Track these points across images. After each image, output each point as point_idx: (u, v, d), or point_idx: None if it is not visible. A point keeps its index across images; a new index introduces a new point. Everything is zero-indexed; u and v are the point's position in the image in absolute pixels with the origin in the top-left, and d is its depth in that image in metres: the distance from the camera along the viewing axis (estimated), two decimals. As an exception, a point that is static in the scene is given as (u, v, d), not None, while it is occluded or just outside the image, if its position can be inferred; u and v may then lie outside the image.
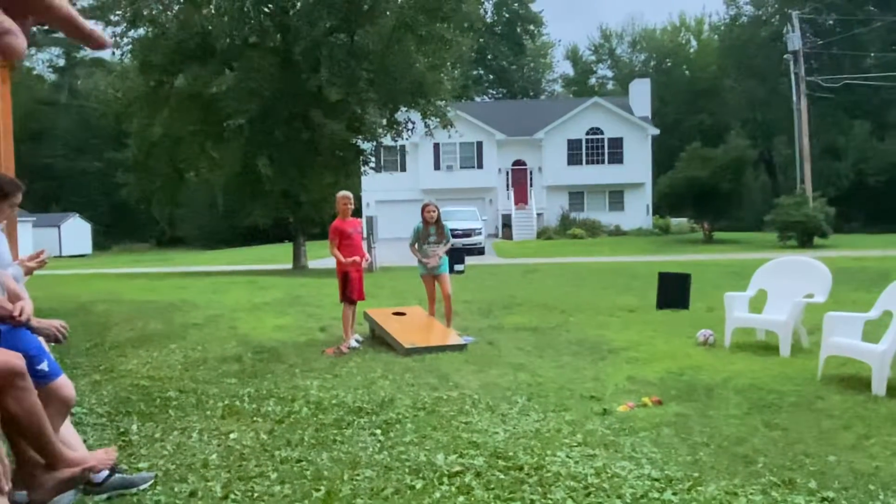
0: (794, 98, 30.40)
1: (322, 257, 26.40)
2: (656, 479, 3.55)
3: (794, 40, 29.88)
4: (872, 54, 40.36)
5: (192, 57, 18.65)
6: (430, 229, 7.97)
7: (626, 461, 3.82)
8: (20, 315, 3.13)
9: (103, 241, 49.29)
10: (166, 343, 7.46)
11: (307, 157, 19.79)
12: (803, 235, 26.65)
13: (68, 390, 3.29)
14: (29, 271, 3.63)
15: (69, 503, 3.20)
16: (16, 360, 2.94)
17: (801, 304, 6.80)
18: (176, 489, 3.45)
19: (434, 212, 7.97)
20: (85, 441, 3.64)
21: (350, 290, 7.46)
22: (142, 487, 3.43)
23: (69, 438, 3.43)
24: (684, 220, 36.77)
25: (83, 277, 19.04)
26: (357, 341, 7.49)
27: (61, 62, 61.85)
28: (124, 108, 21.24)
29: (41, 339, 3.31)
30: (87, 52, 60.56)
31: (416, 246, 8.03)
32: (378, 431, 4.36)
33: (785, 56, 31.52)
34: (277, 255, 27.74)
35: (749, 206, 32.93)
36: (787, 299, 6.94)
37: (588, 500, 3.31)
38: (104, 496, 3.32)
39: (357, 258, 7.49)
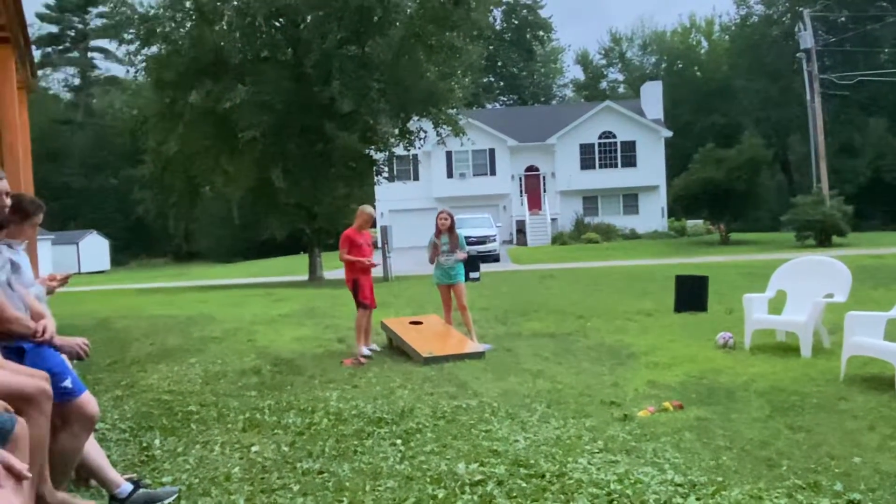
0: (808, 96, 30.18)
1: (338, 268, 26.49)
2: (679, 485, 3.53)
3: (807, 38, 29.70)
4: (886, 50, 40.03)
5: (205, 73, 18.84)
6: (442, 238, 7.97)
7: (648, 467, 3.80)
8: (44, 333, 3.17)
9: (121, 256, 49.78)
10: (186, 357, 7.51)
11: (321, 169, 19.90)
12: (821, 234, 26.40)
13: (92, 407, 3.33)
14: (51, 290, 3.68)
15: None
16: (45, 382, 2.97)
17: (822, 304, 6.74)
18: (200, 503, 3.47)
19: (447, 220, 7.98)
20: (109, 457, 3.67)
21: (362, 295, 7.49)
22: (166, 502, 3.45)
23: (93, 454, 3.47)
24: (700, 221, 36.55)
25: (102, 294, 19.23)
26: (371, 350, 7.50)
27: (76, 81, 62.71)
28: (139, 125, 21.49)
29: (64, 356, 3.35)
30: (102, 71, 61.44)
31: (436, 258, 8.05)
32: (398, 441, 4.36)
33: (797, 54, 31.34)
34: (293, 267, 27.86)
35: (765, 206, 32.64)
36: (807, 300, 6.88)
37: (611, 507, 3.29)
38: (129, 511, 3.35)
39: (368, 260, 7.58)
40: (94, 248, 45.33)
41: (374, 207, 36.85)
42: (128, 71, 23.15)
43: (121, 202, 50.45)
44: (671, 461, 3.89)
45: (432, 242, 8.04)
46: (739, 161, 29.40)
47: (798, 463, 3.80)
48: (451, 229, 8.01)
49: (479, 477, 3.69)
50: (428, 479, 3.69)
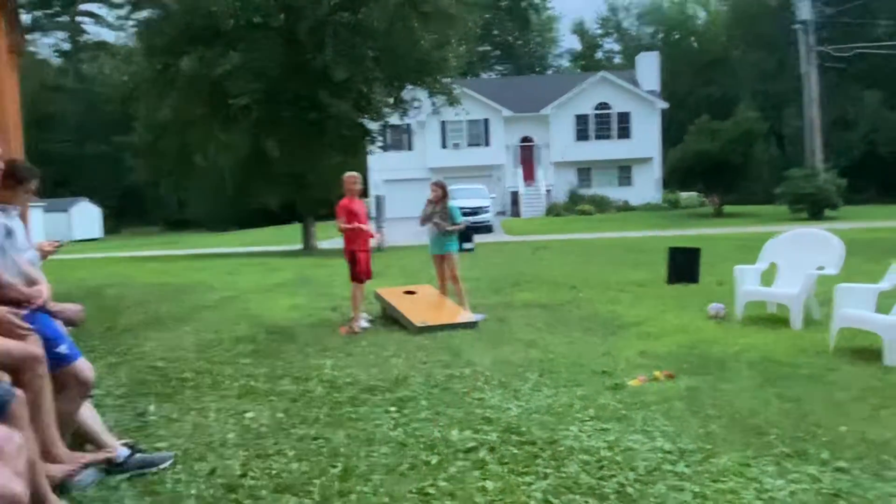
0: (804, 68, 30.03)
1: (331, 237, 26.46)
2: (669, 452, 3.59)
3: (804, 9, 29.47)
4: (883, 23, 39.76)
5: (197, 39, 18.58)
6: (432, 208, 7.97)
7: (638, 434, 3.85)
8: (39, 299, 3.17)
9: (113, 224, 49.51)
10: (180, 325, 7.53)
11: (314, 138, 19.76)
12: (814, 207, 26.49)
13: (87, 372, 3.34)
14: (45, 255, 3.67)
15: (92, 482, 3.26)
16: (34, 346, 2.98)
17: (813, 277, 6.79)
18: (195, 468, 3.50)
19: (437, 190, 7.97)
20: (104, 422, 3.70)
21: (358, 269, 7.48)
22: (162, 467, 3.48)
23: (89, 420, 3.49)
24: (694, 194, 36.57)
25: (94, 261, 19.18)
26: (367, 321, 7.54)
27: (66, 46, 61.76)
28: (130, 91, 21.24)
29: (58, 322, 3.36)
30: (92, 36, 60.52)
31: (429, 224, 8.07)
32: (392, 409, 4.40)
33: (794, 26, 31.10)
34: (287, 237, 27.81)
35: (759, 178, 32.66)
36: (799, 272, 6.93)
37: (601, 474, 3.34)
38: (126, 475, 3.38)
39: (363, 227, 7.49)
40: (86, 216, 45.08)
41: (368, 178, 36.51)
42: (118, 36, 22.86)
43: (112, 170, 50.04)
44: (661, 429, 3.94)
45: (426, 211, 8.06)
46: (734, 134, 29.40)
47: (786, 431, 3.86)
48: (441, 200, 7.99)
49: (471, 444, 3.74)
50: (421, 446, 3.74)
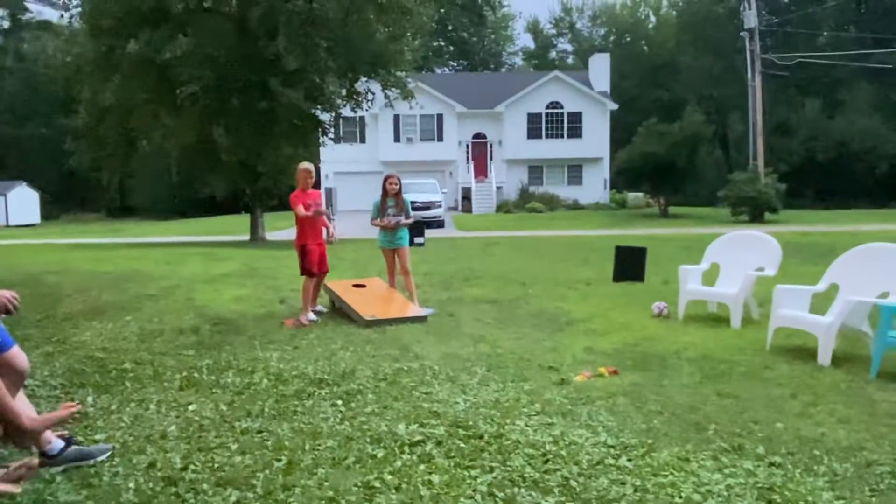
0: (749, 75, 30.87)
1: (280, 228, 26.11)
2: (612, 447, 3.65)
3: (750, 17, 30.23)
4: (825, 33, 41.18)
5: (144, 21, 18.05)
6: (388, 201, 7.94)
7: (582, 429, 3.91)
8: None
9: (52, 210, 47.87)
10: (121, 315, 7.33)
11: (265, 127, 19.44)
12: (755, 210, 27.27)
13: (22, 361, 3.23)
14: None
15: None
16: None
17: (752, 277, 6.99)
18: (134, 461, 3.42)
19: (396, 184, 7.94)
20: (39, 413, 3.57)
21: (309, 262, 7.41)
22: (99, 459, 3.39)
23: (24, 411, 3.37)
24: (641, 194, 37.25)
25: (32, 248, 18.51)
26: (316, 313, 7.47)
27: (6, 24, 59.32)
28: (73, 73, 20.52)
29: (-8, 309, 3.23)
30: (34, 14, 58.32)
31: (379, 220, 8.01)
32: (339, 402, 4.37)
33: (741, 33, 31.94)
34: (234, 227, 27.33)
35: (703, 181, 33.53)
36: (739, 272, 7.12)
37: (546, 467, 3.38)
38: (60, 468, 3.28)
39: (324, 212, 7.45)
40: (24, 201, 43.44)
41: (320, 169, 36.06)
42: (62, 15, 22.07)
43: (52, 153, 48.20)
44: (605, 424, 4.01)
45: (377, 205, 8.00)
46: (681, 136, 30.04)
47: (724, 427, 3.97)
48: (398, 194, 7.97)
49: (418, 437, 3.74)
50: (368, 439, 3.72)
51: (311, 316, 7.27)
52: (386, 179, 8.00)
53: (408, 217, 7.99)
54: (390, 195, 7.93)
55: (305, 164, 7.53)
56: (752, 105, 30.41)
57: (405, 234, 8.08)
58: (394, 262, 8.10)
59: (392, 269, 8.15)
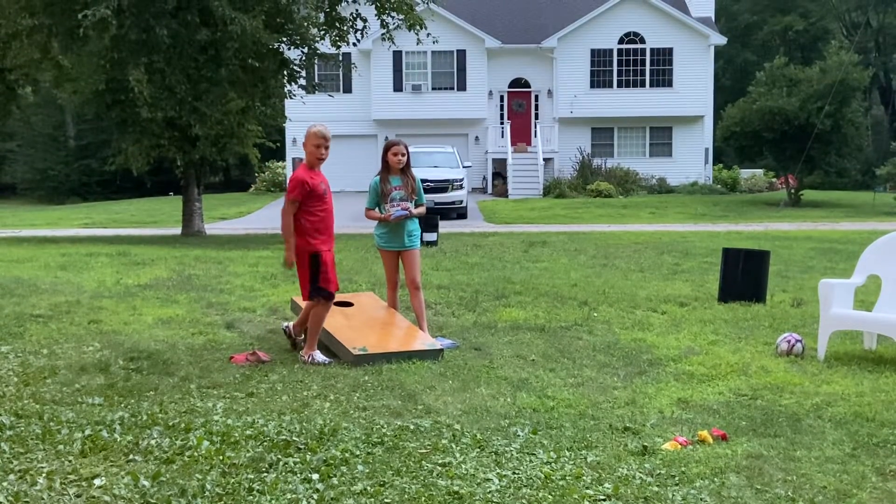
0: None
1: (226, 218, 26.23)
2: (720, 549, 3.64)
3: None
4: None
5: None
6: (392, 180, 7.88)
7: (676, 522, 3.90)
8: None
9: None
10: (-6, 344, 7.41)
11: (205, 69, 19.54)
12: (934, 197, 27.11)
13: None
14: None
15: None
16: None
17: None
18: (16, 560, 3.45)
19: (403, 156, 7.86)
20: None
21: (324, 278, 7.13)
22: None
23: None
24: (760, 171, 37.12)
25: None
26: (293, 343, 7.47)
27: None
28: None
29: None
30: None
31: (378, 210, 7.98)
32: (315, 476, 4.38)
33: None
34: (158, 216, 27.49)
35: (855, 152, 33.27)
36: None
37: (622, 579, 3.38)
38: None
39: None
40: None
41: (285, 131, 36.28)
42: None
43: None
44: (709, 515, 3.99)
45: (376, 187, 7.95)
46: (822, 85, 29.80)
47: (889, 522, 3.95)
48: (406, 169, 7.93)
49: (432, 531, 3.75)
50: (357, 533, 3.74)
51: (320, 357, 7.12)
52: (387, 149, 7.93)
53: (419, 205, 7.98)
54: (394, 172, 7.89)
55: (317, 128, 7.18)
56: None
57: (416, 228, 8.03)
58: (396, 270, 8.08)
59: (394, 280, 8.13)
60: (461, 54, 37.91)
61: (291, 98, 24.04)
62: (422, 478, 4.39)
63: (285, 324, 7.72)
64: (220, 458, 4.66)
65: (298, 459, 4.64)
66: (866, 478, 4.52)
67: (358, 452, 4.76)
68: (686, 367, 7.01)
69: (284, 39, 20.37)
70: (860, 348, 7.58)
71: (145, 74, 18.46)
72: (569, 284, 11.56)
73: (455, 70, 38.14)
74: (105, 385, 6.18)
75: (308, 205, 7.10)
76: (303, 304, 7.94)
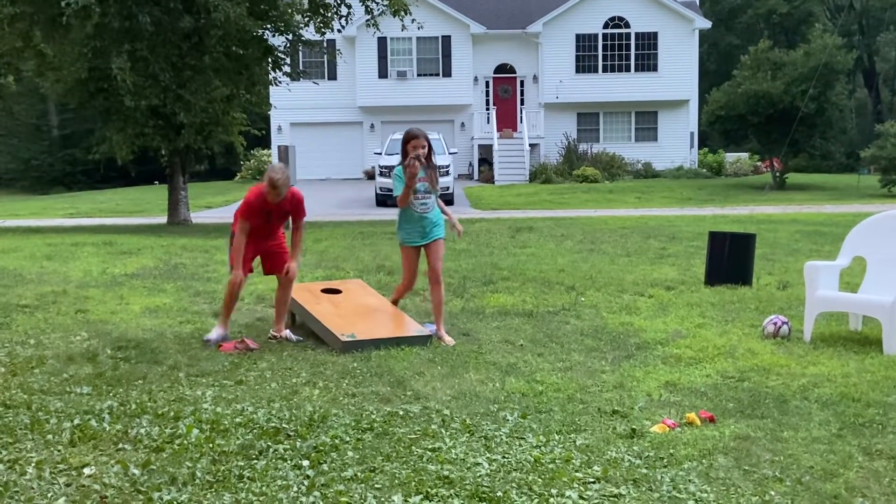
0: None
1: (212, 206, 26.16)
2: (709, 530, 3.66)
3: None
4: None
5: None
6: (423, 170, 7.50)
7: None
8: None
9: None
10: (-20, 334, 7.39)
11: (188, 57, 19.46)
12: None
13: None
14: None
15: None
16: None
17: (915, 280, 6.98)
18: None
19: (424, 147, 7.46)
20: None
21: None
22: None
23: None
24: (745, 155, 37.16)
25: None
26: (277, 338, 7.47)
27: None
28: None
29: None
30: None
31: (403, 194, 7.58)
32: (305, 463, 4.39)
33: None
34: (144, 205, 27.37)
35: (839, 135, 33.36)
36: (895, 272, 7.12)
37: (612, 560, 3.40)
38: None
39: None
40: None
41: (269, 119, 36.03)
42: None
43: None
44: (697, 496, 4.02)
45: (400, 174, 7.50)
46: (806, 68, 29.86)
47: (876, 502, 3.97)
48: (429, 160, 7.57)
49: (422, 516, 3.76)
50: (348, 518, 3.75)
51: (289, 334, 7.10)
52: (407, 141, 7.51)
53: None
54: (418, 163, 7.39)
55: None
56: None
57: (440, 218, 7.83)
58: (416, 267, 7.89)
59: (411, 279, 7.97)
60: (446, 40, 37.83)
61: (276, 85, 23.99)
62: (412, 463, 4.41)
63: (271, 332, 7.61)
64: (210, 445, 4.66)
65: (288, 446, 4.65)
66: (853, 457, 4.55)
67: (348, 439, 4.78)
68: (673, 350, 7.04)
69: (268, 26, 20.30)
70: (846, 330, 7.62)
71: (128, 62, 18.35)
72: (556, 269, 11.58)
73: (440, 56, 38.06)
74: (93, 374, 6.17)
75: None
76: (294, 294, 7.92)
